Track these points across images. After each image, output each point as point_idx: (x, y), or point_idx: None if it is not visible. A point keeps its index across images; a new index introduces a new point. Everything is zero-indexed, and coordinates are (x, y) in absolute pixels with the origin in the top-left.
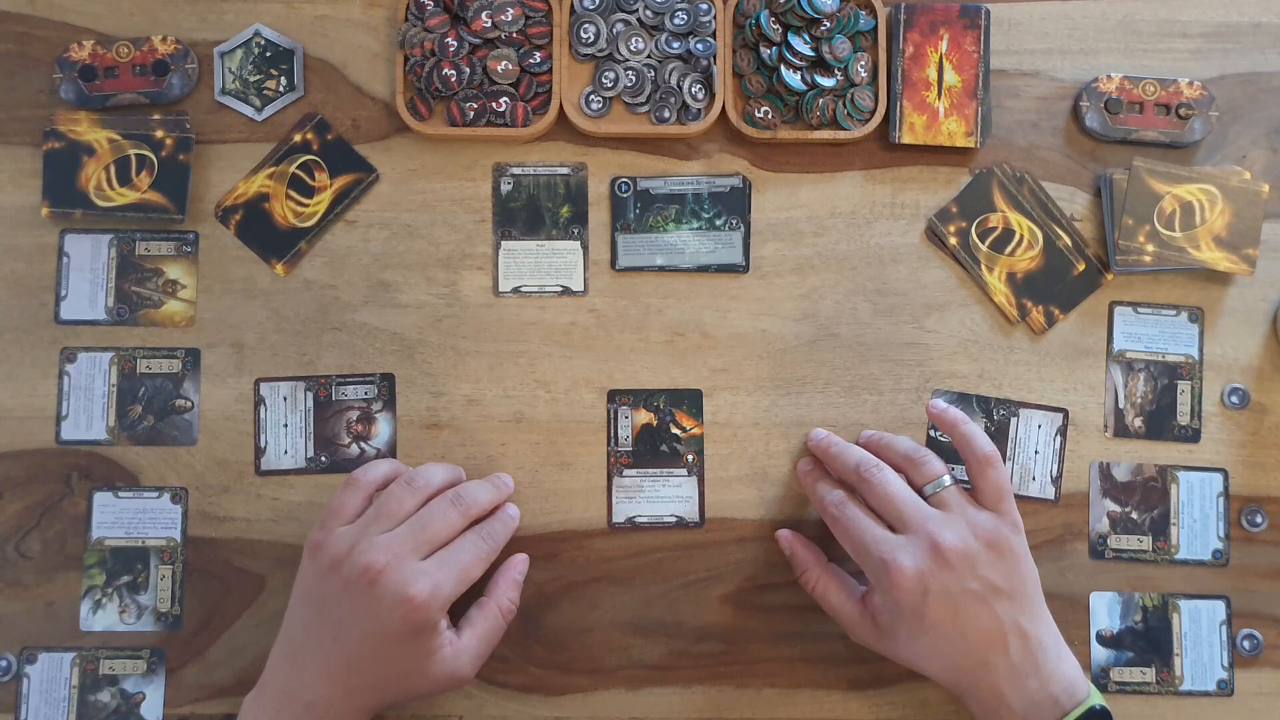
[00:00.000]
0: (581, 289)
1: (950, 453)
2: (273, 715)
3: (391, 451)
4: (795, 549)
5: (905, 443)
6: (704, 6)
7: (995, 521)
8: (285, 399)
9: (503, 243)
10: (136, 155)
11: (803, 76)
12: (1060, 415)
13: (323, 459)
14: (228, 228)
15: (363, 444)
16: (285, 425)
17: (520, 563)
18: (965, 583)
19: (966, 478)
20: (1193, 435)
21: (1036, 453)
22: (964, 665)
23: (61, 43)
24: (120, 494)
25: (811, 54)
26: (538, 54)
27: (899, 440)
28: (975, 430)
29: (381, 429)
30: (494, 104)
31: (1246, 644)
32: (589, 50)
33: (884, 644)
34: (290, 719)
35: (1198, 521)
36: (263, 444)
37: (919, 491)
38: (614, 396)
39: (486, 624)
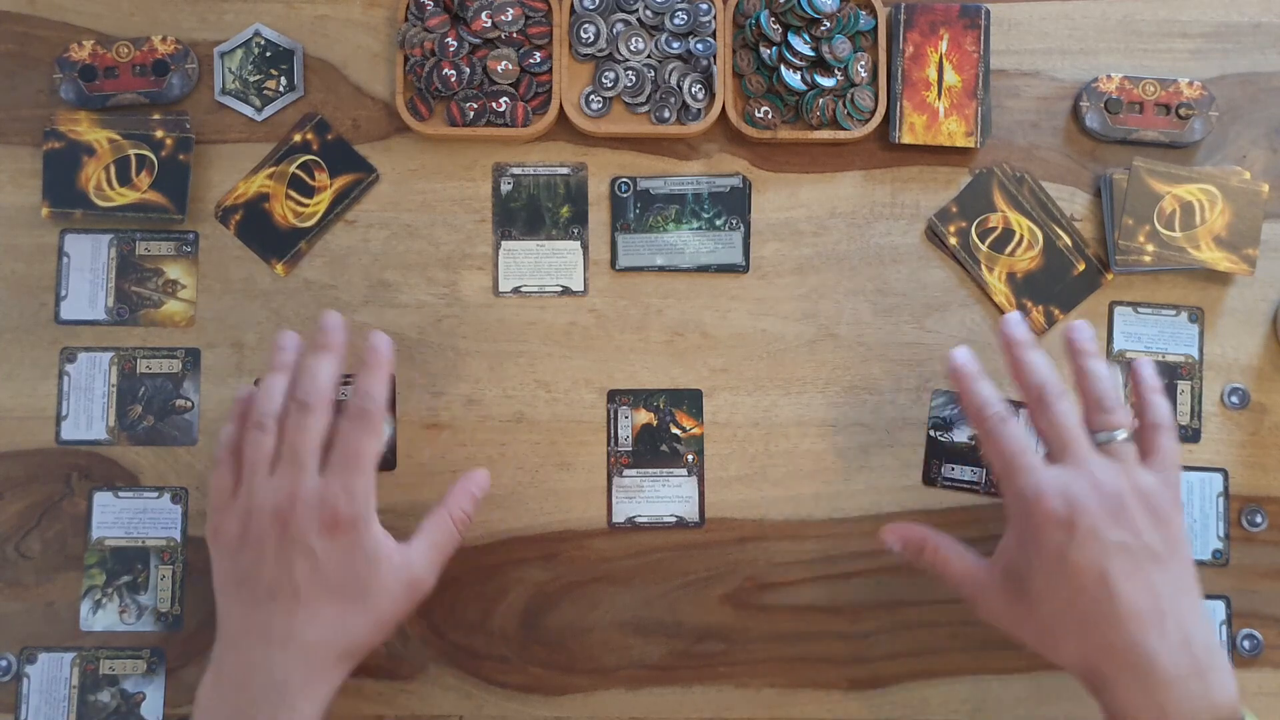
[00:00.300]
0: (581, 289)
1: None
2: (234, 704)
3: (391, 452)
4: (906, 534)
5: (1105, 382)
6: (704, 6)
7: (1160, 486)
8: None
9: (503, 243)
10: (136, 155)
11: (803, 76)
12: None
13: None
14: (228, 228)
15: None
16: None
17: (480, 477)
18: (1118, 532)
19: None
20: (1193, 435)
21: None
22: (1108, 642)
23: (61, 43)
24: (120, 494)
25: (811, 54)
26: (538, 54)
27: (1101, 373)
28: (1163, 399)
29: (381, 429)
30: (494, 104)
31: (1246, 644)
32: (589, 50)
33: (1015, 608)
34: (254, 704)
35: (1198, 521)
36: None
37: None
38: (614, 396)
39: (437, 531)
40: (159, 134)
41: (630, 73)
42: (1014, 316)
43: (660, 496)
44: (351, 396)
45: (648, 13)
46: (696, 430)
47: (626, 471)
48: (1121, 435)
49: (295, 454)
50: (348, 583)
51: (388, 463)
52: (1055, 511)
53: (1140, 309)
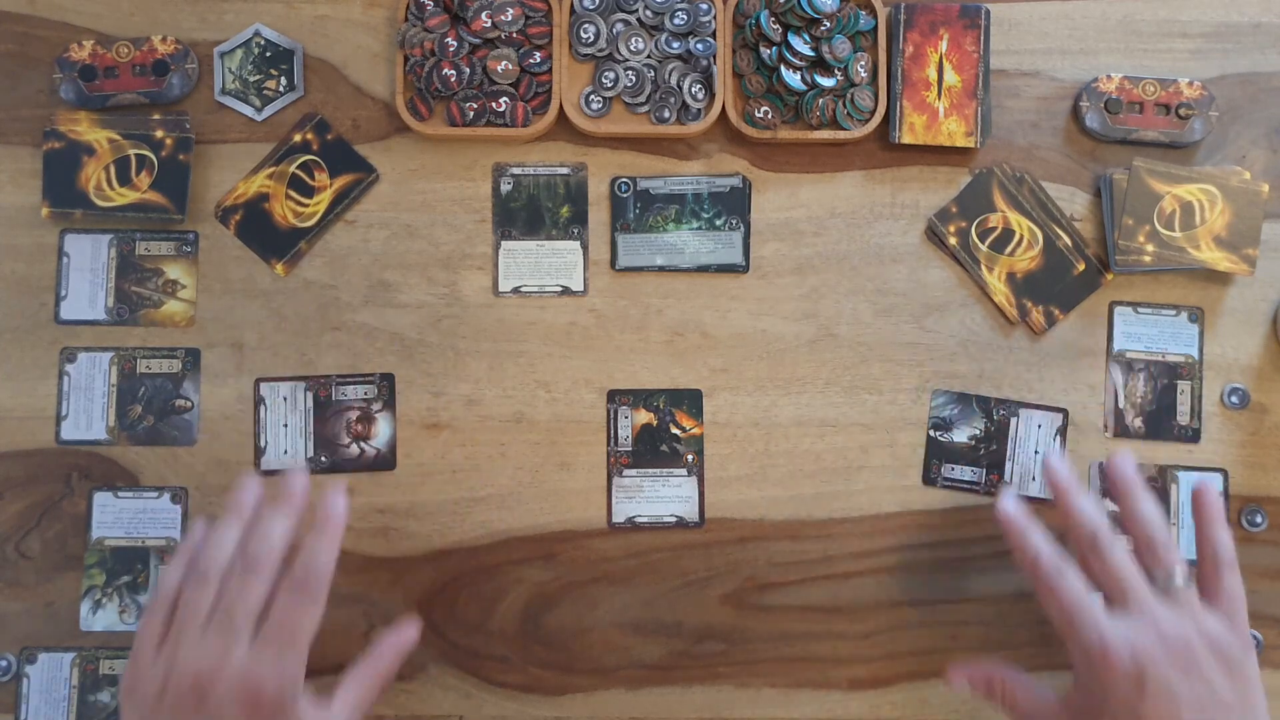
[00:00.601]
0: (581, 289)
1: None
2: None
3: (391, 452)
4: (973, 674)
5: (1156, 523)
6: (704, 6)
7: (1228, 631)
8: (285, 399)
9: (503, 243)
10: (136, 155)
11: (803, 76)
12: (1060, 415)
13: (323, 459)
14: (228, 228)
15: (363, 444)
16: (285, 425)
17: (409, 630)
18: (1190, 685)
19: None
20: (1193, 435)
21: (1036, 453)
22: None
23: (61, 43)
24: (120, 494)
25: (811, 54)
26: (538, 54)
27: (1151, 514)
28: (1226, 533)
29: (381, 429)
30: (494, 104)
31: None
32: (589, 50)
33: None
34: None
35: None
36: (263, 444)
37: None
38: (614, 396)
39: (359, 691)
40: (159, 134)
41: (630, 73)
42: (1058, 459)
43: (660, 496)
44: (296, 562)
45: (648, 13)
46: (696, 430)
47: (626, 471)
48: (1180, 577)
49: (230, 619)
50: None
51: (387, 463)
52: (1123, 666)
53: (1140, 309)
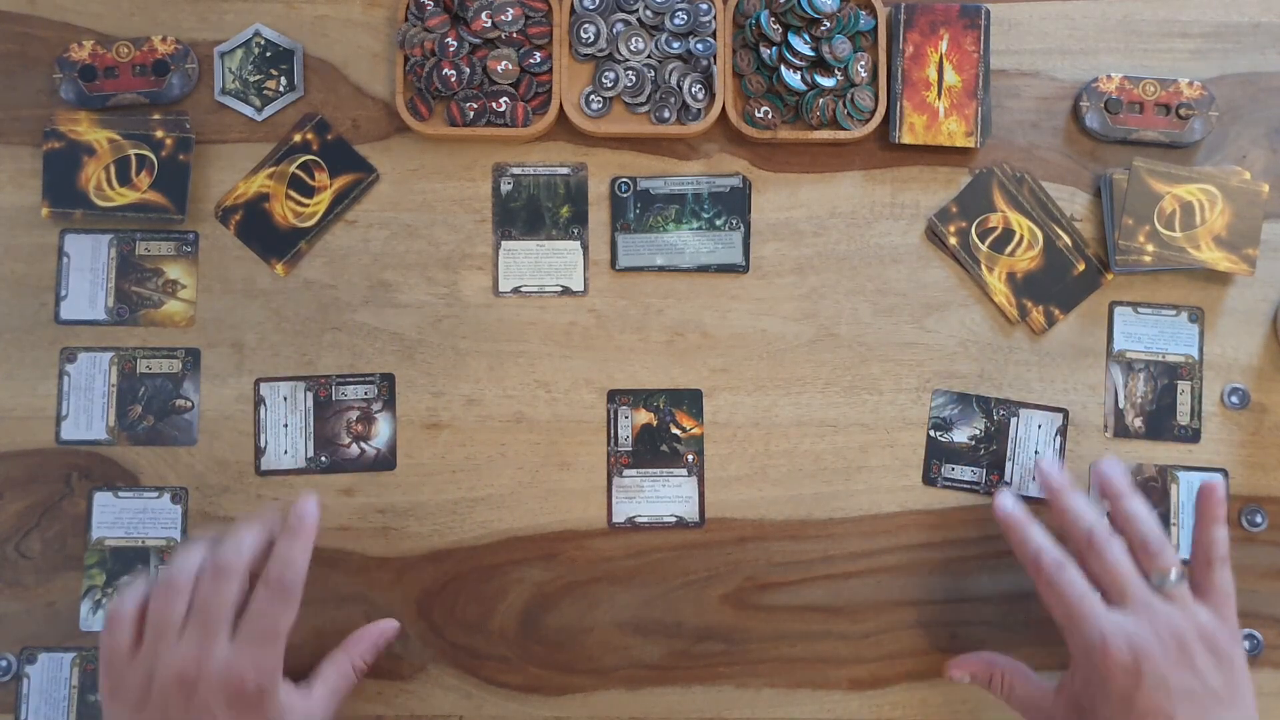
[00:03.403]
0: (581, 289)
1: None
2: None
3: (391, 452)
4: (972, 666)
5: (1147, 522)
6: (704, 6)
7: (1219, 625)
8: (285, 399)
9: (503, 243)
10: (136, 155)
11: (803, 76)
12: (1060, 415)
13: (323, 459)
14: (228, 228)
15: (363, 444)
16: (285, 425)
17: (388, 629)
18: (1183, 677)
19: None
20: (1193, 435)
21: (1036, 453)
22: None
23: (61, 43)
24: (120, 494)
25: (811, 54)
26: (538, 54)
27: (1141, 514)
28: (1223, 530)
29: (381, 429)
30: (494, 104)
31: (1246, 644)
32: (589, 50)
33: None
34: None
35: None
36: (263, 444)
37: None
38: (614, 396)
39: (337, 677)
40: (159, 134)
41: (630, 73)
42: (1049, 462)
43: (660, 496)
44: (270, 563)
45: (648, 13)
46: (696, 430)
47: (626, 471)
48: (1174, 578)
49: (207, 619)
50: None
51: (387, 463)
52: (1121, 659)
53: (1140, 309)
